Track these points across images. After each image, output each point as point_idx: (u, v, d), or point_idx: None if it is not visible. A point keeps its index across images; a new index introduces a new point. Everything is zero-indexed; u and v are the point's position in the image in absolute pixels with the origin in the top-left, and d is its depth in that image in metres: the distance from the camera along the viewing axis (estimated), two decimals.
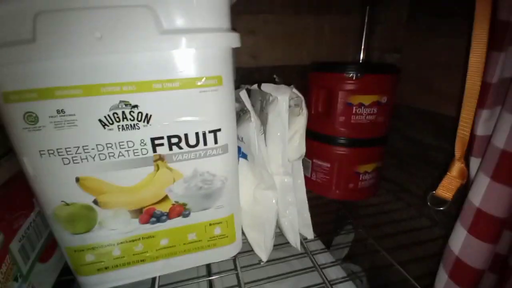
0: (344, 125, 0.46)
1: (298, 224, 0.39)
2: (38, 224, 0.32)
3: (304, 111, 0.34)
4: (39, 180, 0.26)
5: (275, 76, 0.42)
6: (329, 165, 0.48)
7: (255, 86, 0.37)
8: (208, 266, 0.41)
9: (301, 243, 0.39)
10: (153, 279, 0.34)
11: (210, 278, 0.39)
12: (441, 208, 0.34)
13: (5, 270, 0.26)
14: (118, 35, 0.23)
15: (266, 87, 0.34)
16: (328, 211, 0.58)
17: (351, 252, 0.64)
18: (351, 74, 0.44)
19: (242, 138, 0.37)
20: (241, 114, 0.37)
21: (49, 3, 0.22)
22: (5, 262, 0.26)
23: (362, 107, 0.45)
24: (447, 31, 0.44)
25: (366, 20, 0.58)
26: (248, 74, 0.55)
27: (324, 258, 0.52)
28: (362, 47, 0.61)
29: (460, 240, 0.32)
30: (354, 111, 0.45)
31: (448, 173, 0.33)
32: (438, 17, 0.46)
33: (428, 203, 0.34)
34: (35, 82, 0.23)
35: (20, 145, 0.25)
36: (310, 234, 0.41)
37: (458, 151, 0.31)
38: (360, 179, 0.49)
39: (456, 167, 0.32)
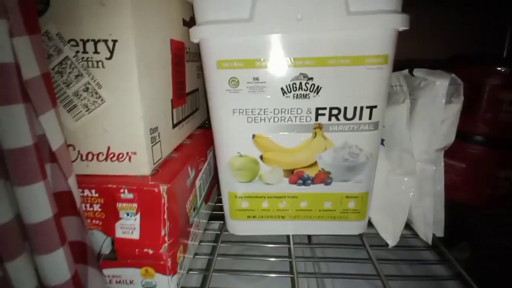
0: (490, 123, 0.42)
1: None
2: (206, 172, 0.41)
3: (461, 98, 0.33)
4: (226, 132, 0.34)
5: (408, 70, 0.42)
6: (464, 165, 0.45)
7: (402, 71, 0.38)
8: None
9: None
10: (288, 236, 0.39)
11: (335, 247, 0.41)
12: None
13: (192, 199, 0.34)
14: (314, 16, 0.28)
15: (419, 71, 0.35)
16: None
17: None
18: (504, 69, 0.41)
19: None
20: None
21: None
22: (192, 192, 0.34)
23: None
24: None
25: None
26: None
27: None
28: (507, 42, 0.54)
29: None
30: (504, 108, 0.41)
31: None
32: None
33: None
34: (243, 53, 0.30)
35: (221, 103, 0.32)
36: (440, 230, 0.39)
37: None
38: (499, 185, 0.44)
39: None
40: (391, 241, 0.37)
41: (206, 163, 0.40)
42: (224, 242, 0.38)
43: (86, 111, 0.24)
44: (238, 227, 0.39)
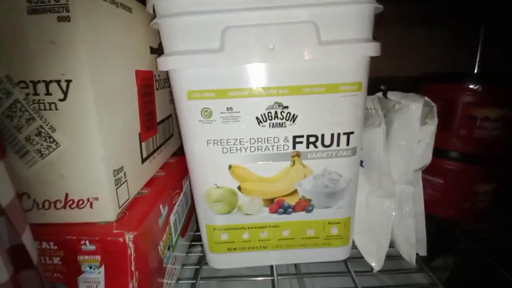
0: (464, 139, 0.43)
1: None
2: (182, 204, 0.39)
3: (435, 120, 0.34)
4: (201, 164, 0.32)
5: (382, 86, 0.42)
6: (441, 181, 0.45)
7: (377, 94, 0.38)
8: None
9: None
10: (271, 267, 0.37)
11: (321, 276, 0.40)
12: None
13: (165, 239, 0.32)
14: (286, 46, 0.27)
15: (393, 95, 0.35)
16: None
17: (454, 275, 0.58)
18: (477, 86, 0.42)
19: None
20: None
21: (235, 20, 0.27)
22: (166, 232, 0.32)
23: (488, 121, 0.42)
24: None
25: (482, 33, 0.55)
26: None
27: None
28: (478, 59, 0.57)
29: None
30: (478, 125, 0.42)
31: None
32: None
33: None
34: (214, 84, 0.29)
35: (194, 135, 0.31)
36: (423, 249, 0.39)
37: None
38: (478, 199, 0.45)
39: None
40: (376, 265, 0.37)
41: (182, 194, 0.38)
42: (204, 279, 0.36)
43: (40, 156, 0.22)
44: (219, 260, 0.37)
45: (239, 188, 0.33)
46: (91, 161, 0.22)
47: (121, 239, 0.22)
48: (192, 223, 0.44)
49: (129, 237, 0.22)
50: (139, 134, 0.30)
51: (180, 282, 0.35)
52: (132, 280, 0.22)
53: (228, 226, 0.35)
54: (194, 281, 0.35)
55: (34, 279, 0.21)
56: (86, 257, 0.22)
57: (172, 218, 0.33)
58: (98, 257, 0.22)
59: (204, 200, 0.34)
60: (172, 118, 0.41)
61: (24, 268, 0.21)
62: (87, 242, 0.22)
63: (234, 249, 0.36)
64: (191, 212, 0.43)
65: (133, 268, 0.22)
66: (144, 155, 0.31)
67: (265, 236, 0.35)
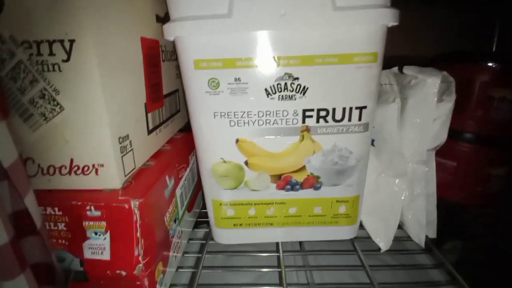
0: (480, 120, 0.41)
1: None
2: (189, 179, 0.38)
3: (453, 97, 0.32)
4: (208, 137, 0.31)
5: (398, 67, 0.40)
6: (454, 164, 0.44)
7: (392, 69, 0.36)
8: None
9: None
10: (277, 244, 0.37)
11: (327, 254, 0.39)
12: None
13: (171, 211, 0.32)
14: (298, 12, 0.26)
15: (409, 69, 0.34)
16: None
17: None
18: (495, 65, 0.40)
19: None
20: None
21: None
22: (172, 204, 0.32)
23: (505, 102, 0.40)
24: None
25: (499, 12, 0.52)
26: None
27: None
28: (496, 39, 0.54)
29: None
30: (495, 105, 0.40)
31: None
32: None
33: None
34: (221, 53, 0.28)
35: (200, 107, 0.30)
36: (433, 231, 0.38)
37: None
38: (491, 183, 0.43)
39: None
40: (384, 246, 0.36)
41: (188, 169, 0.37)
42: (210, 253, 0.36)
43: (44, 120, 0.21)
44: (224, 236, 0.37)
45: (246, 163, 0.32)
46: (96, 126, 0.22)
47: (126, 205, 0.22)
48: (198, 201, 0.44)
49: (134, 203, 0.22)
50: (145, 104, 0.29)
51: (186, 255, 0.36)
52: (137, 247, 0.22)
53: (234, 201, 0.34)
54: (200, 255, 0.35)
55: (38, 245, 0.21)
56: (92, 223, 0.22)
57: (178, 191, 0.33)
58: (104, 223, 0.22)
59: (211, 175, 0.33)
60: (179, 94, 0.41)
61: (28, 234, 0.21)
62: (92, 207, 0.21)
63: (240, 225, 0.35)
64: (197, 189, 0.43)
65: (138, 235, 0.22)
66: (150, 127, 0.30)
67: (272, 213, 0.35)
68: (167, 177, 0.29)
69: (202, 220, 0.42)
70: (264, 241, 0.37)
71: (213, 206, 0.35)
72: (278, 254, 0.36)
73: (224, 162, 0.32)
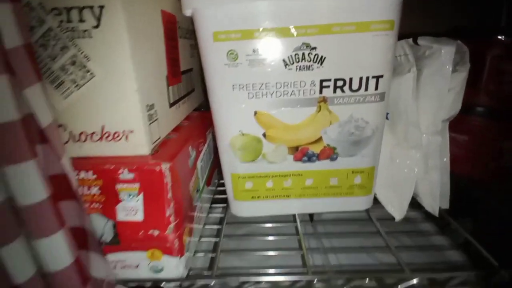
0: (492, 94, 0.41)
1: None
2: (207, 154, 0.39)
3: (467, 66, 0.32)
4: (226, 111, 0.32)
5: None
6: (466, 138, 0.44)
7: (407, 40, 0.36)
8: None
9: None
10: (294, 216, 0.38)
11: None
12: None
13: (194, 180, 0.33)
14: None
15: (423, 39, 0.34)
16: None
17: None
18: (505, 38, 0.40)
19: None
20: None
21: None
22: (194, 174, 0.33)
23: None
24: None
25: None
26: None
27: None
28: (504, 13, 0.53)
29: None
30: (506, 79, 0.40)
31: None
32: None
33: None
34: (240, 23, 0.28)
35: (219, 79, 0.31)
36: (446, 202, 0.39)
37: None
38: (503, 158, 0.44)
39: None
40: (398, 216, 0.37)
41: (206, 145, 0.38)
42: (229, 224, 0.37)
43: (75, 86, 0.22)
44: (243, 208, 0.38)
45: (264, 135, 0.33)
46: (126, 91, 0.22)
47: (157, 168, 0.22)
48: (214, 178, 0.45)
49: (165, 166, 0.23)
50: (167, 77, 0.30)
51: (206, 227, 0.37)
52: (169, 208, 0.23)
53: (252, 174, 0.35)
54: (220, 226, 0.36)
55: (74, 209, 0.22)
56: (125, 185, 0.23)
57: (199, 164, 0.34)
58: (137, 185, 0.23)
59: (229, 148, 0.34)
60: (193, 73, 0.41)
61: (65, 198, 0.22)
62: (125, 170, 0.22)
63: (258, 197, 0.36)
64: (214, 166, 0.44)
65: (169, 196, 0.23)
66: (172, 100, 0.31)
67: (289, 185, 0.36)
68: (189, 148, 0.30)
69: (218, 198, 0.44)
70: (281, 213, 0.38)
71: (231, 180, 0.36)
72: (295, 224, 0.37)
73: (243, 135, 0.33)
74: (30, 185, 0.17)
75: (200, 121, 0.39)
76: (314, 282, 0.28)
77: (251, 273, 0.32)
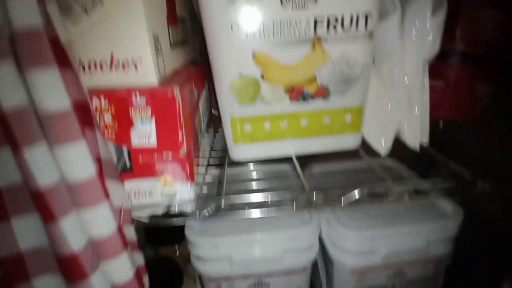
0: (465, 39, 0.45)
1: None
2: (205, 100, 0.41)
3: (444, 7, 0.35)
4: (225, 51, 0.33)
5: None
6: (442, 83, 0.48)
7: None
8: None
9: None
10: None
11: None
12: None
13: (198, 117, 0.34)
14: None
15: None
16: None
17: None
18: None
19: None
20: None
21: None
22: (198, 111, 0.35)
23: (489, 20, 0.44)
24: None
25: None
26: None
27: None
28: None
29: None
30: (480, 23, 0.44)
31: None
32: None
33: None
34: None
35: (218, 19, 0.31)
36: (426, 138, 0.43)
37: None
38: (478, 99, 0.48)
39: None
40: (383, 151, 0.41)
41: (205, 92, 0.39)
42: (231, 166, 0.40)
43: (86, 14, 0.23)
44: (243, 151, 0.40)
45: (262, 76, 0.35)
46: (135, 19, 0.23)
47: (169, 92, 0.24)
48: (210, 132, 0.46)
49: (177, 89, 0.24)
50: (166, 17, 0.30)
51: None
52: (181, 131, 0.25)
53: (251, 117, 0.37)
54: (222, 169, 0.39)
55: (93, 138, 0.23)
56: (138, 110, 0.24)
57: (200, 104, 0.35)
58: (149, 109, 0.24)
59: (229, 91, 0.35)
60: (187, 24, 0.41)
61: (88, 125, 0.22)
62: (137, 94, 0.24)
63: (257, 139, 0.39)
64: (209, 123, 0.45)
65: (182, 121, 0.25)
66: (172, 40, 0.32)
67: (285, 126, 0.38)
68: (193, 84, 0.31)
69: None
70: (278, 153, 0.41)
71: (231, 124, 0.38)
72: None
73: (242, 77, 0.34)
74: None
75: (198, 71, 0.40)
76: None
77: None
